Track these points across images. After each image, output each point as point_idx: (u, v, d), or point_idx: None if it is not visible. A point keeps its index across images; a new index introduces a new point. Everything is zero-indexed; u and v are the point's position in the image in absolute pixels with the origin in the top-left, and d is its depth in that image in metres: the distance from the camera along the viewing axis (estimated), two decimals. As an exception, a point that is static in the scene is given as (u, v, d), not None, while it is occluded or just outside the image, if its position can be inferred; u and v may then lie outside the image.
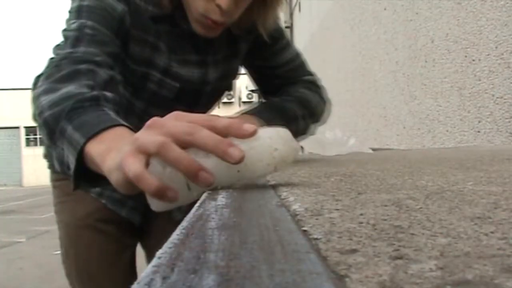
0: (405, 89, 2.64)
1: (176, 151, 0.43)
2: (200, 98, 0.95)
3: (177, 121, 0.46)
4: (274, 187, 0.53)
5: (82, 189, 0.63)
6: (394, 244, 0.24)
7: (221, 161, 0.44)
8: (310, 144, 1.47)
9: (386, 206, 0.36)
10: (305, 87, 1.06)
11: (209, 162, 0.44)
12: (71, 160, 0.57)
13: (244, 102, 19.30)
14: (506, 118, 1.67)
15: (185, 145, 0.44)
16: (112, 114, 0.61)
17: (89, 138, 0.55)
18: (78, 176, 0.58)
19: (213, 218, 0.34)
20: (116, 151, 0.50)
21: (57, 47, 0.78)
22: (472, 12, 1.89)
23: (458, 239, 0.24)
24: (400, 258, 0.21)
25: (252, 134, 0.45)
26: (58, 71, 0.70)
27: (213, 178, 0.44)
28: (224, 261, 0.22)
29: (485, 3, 1.79)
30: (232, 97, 19.32)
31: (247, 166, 0.45)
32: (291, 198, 0.41)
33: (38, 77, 0.74)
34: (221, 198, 0.45)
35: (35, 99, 0.67)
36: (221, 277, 0.20)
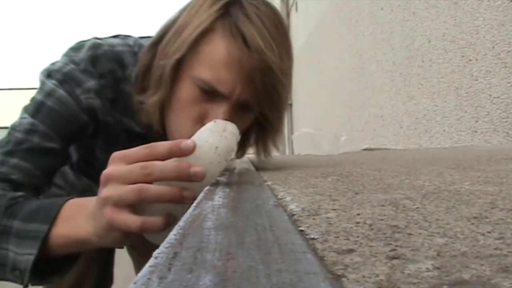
0: (402, 89, 2.65)
1: (153, 189, 0.48)
2: None
3: (123, 165, 0.49)
4: (271, 187, 0.53)
5: (33, 283, 0.60)
6: (391, 244, 0.24)
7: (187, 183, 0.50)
8: (303, 144, 1.48)
9: (383, 206, 0.36)
10: None
11: (179, 183, 0.50)
12: (27, 252, 0.55)
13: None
14: (503, 118, 1.68)
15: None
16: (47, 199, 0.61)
17: (51, 222, 0.55)
18: (34, 270, 0.57)
19: (210, 218, 0.34)
20: (87, 220, 0.53)
21: None
22: (469, 12, 1.89)
23: (455, 239, 0.24)
24: (397, 258, 0.21)
25: (193, 149, 0.50)
26: None
27: (194, 192, 0.49)
28: (221, 261, 0.22)
29: (482, 3, 1.80)
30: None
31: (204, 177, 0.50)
32: (288, 198, 0.41)
33: None
34: (218, 198, 0.45)
35: None
36: (218, 277, 0.20)
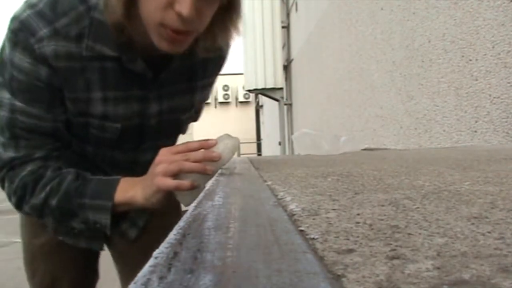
0: (402, 89, 2.65)
1: (187, 165, 0.76)
2: (145, 133, 0.93)
3: (169, 155, 0.77)
4: (271, 187, 0.53)
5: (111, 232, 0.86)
6: (391, 244, 0.24)
7: (209, 163, 0.77)
8: (303, 144, 1.48)
9: (383, 206, 0.36)
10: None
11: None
12: (103, 217, 0.82)
13: (241, 102, 19.29)
14: (503, 118, 1.68)
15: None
16: (98, 177, 0.85)
17: (112, 198, 0.81)
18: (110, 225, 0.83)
19: (210, 218, 0.34)
20: (138, 189, 0.80)
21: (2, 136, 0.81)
22: (469, 12, 1.89)
23: (455, 239, 0.24)
24: (397, 258, 0.21)
25: (215, 144, 0.78)
26: (22, 189, 0.82)
27: (212, 168, 0.77)
28: (221, 261, 0.22)
29: (482, 3, 1.80)
30: (229, 97, 19.32)
31: (220, 158, 0.78)
32: (288, 198, 0.41)
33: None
34: (218, 198, 0.45)
35: (20, 207, 0.84)
36: (218, 277, 0.20)
